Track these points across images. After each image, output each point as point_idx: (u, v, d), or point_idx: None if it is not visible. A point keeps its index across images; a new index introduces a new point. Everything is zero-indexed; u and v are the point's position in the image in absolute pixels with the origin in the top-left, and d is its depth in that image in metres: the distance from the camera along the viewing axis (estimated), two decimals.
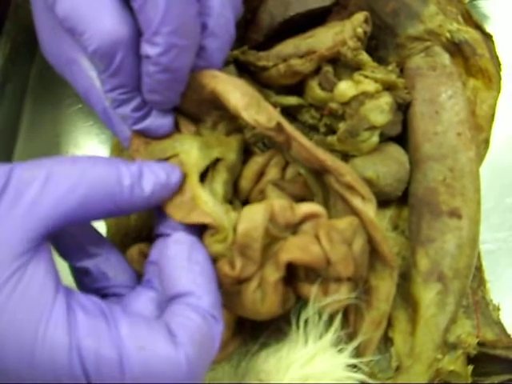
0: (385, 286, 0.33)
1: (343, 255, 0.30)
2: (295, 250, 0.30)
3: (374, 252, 0.33)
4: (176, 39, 0.30)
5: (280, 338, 0.33)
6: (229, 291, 0.30)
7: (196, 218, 0.31)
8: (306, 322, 0.32)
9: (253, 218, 0.29)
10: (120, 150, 0.43)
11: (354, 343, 0.32)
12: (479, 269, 0.40)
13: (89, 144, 0.52)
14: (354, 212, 0.32)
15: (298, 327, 0.32)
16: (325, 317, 0.32)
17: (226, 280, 0.30)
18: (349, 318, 0.33)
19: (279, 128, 0.32)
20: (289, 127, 0.32)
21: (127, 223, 0.40)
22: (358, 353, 0.32)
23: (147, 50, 0.30)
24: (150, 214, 0.35)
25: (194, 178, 0.32)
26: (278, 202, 0.30)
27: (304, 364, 0.31)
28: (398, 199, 0.40)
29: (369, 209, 0.32)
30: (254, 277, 0.30)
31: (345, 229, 0.30)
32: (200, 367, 0.26)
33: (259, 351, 0.33)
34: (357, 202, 0.32)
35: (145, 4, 0.29)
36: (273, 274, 0.30)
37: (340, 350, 0.32)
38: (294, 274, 0.32)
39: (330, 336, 0.32)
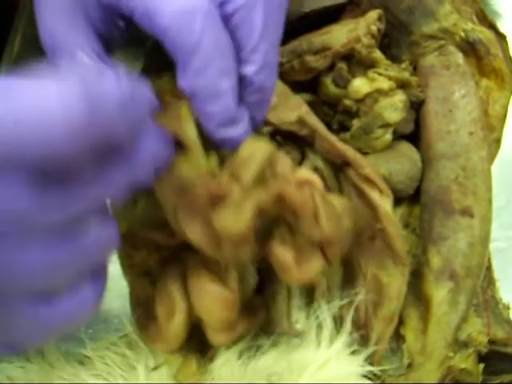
0: (396, 284, 0.33)
1: (331, 216, 0.29)
2: (290, 186, 0.28)
3: (385, 249, 0.34)
4: (270, 57, 0.29)
5: (290, 338, 0.33)
6: (203, 208, 0.28)
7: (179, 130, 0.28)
8: (318, 324, 0.33)
9: (255, 147, 0.28)
10: None
11: (369, 349, 0.32)
12: (489, 268, 0.40)
13: None
14: (370, 205, 0.33)
15: (309, 329, 0.32)
16: (337, 319, 0.32)
17: (203, 193, 0.28)
18: (359, 316, 0.33)
19: (302, 122, 0.32)
20: (312, 120, 0.33)
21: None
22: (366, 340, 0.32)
23: (243, 69, 0.29)
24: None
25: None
26: (282, 155, 0.29)
27: (318, 369, 0.31)
28: (409, 197, 0.40)
29: (385, 203, 0.32)
30: (235, 196, 0.28)
31: (338, 204, 0.30)
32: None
33: (269, 350, 0.33)
34: (374, 195, 0.33)
35: (242, 22, 0.29)
36: (257, 196, 0.28)
37: (353, 353, 0.32)
38: (268, 235, 0.30)
39: (343, 339, 0.32)
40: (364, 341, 0.33)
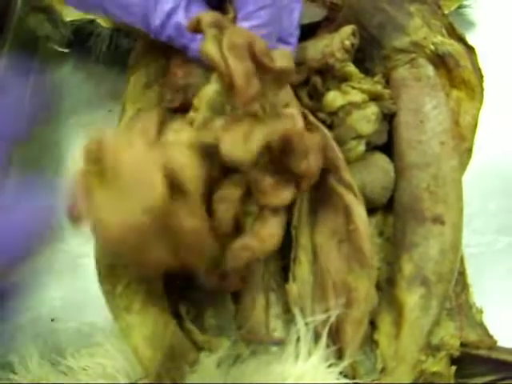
0: (364, 287, 0.34)
1: (318, 152, 0.34)
2: (295, 129, 0.33)
3: (352, 253, 0.35)
4: None
5: (269, 347, 0.34)
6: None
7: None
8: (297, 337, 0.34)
9: None
10: None
11: (344, 362, 0.33)
12: (463, 273, 0.41)
13: None
14: (344, 208, 0.35)
15: (287, 340, 0.33)
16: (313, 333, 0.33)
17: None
18: (331, 323, 0.34)
19: (304, 118, 0.35)
20: (313, 119, 0.35)
21: None
22: (341, 353, 0.33)
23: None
24: None
25: None
26: None
27: (295, 381, 0.32)
28: (383, 207, 0.42)
29: (359, 205, 0.36)
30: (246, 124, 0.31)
31: (313, 141, 0.34)
32: None
33: (248, 359, 0.34)
34: (350, 198, 0.35)
35: None
36: (265, 131, 0.32)
37: (329, 366, 0.33)
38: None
39: (320, 353, 0.33)
40: (339, 353, 0.34)
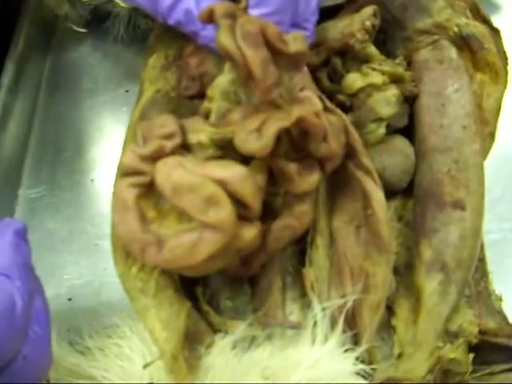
0: (381, 272, 0.34)
1: (337, 134, 0.34)
2: (309, 112, 0.32)
3: (370, 239, 0.35)
4: None
5: (285, 331, 0.34)
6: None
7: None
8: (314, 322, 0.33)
9: None
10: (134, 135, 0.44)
11: (361, 348, 0.32)
12: (482, 260, 0.40)
13: (106, 129, 0.53)
14: (363, 193, 0.34)
15: (303, 324, 0.33)
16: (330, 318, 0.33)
17: None
18: (348, 308, 0.34)
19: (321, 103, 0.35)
20: (329, 103, 0.36)
21: None
22: (358, 339, 0.33)
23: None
24: None
25: None
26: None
27: (311, 366, 0.32)
28: (403, 191, 0.41)
29: (379, 191, 0.35)
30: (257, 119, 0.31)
31: (335, 122, 0.34)
32: None
33: (264, 343, 0.34)
34: (370, 184, 0.34)
35: None
36: (280, 120, 0.31)
37: (346, 352, 0.32)
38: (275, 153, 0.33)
39: (336, 338, 0.33)
40: (356, 338, 0.34)
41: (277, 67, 0.32)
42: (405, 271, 0.37)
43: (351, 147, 0.36)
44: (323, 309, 0.32)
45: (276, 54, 0.32)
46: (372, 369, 0.33)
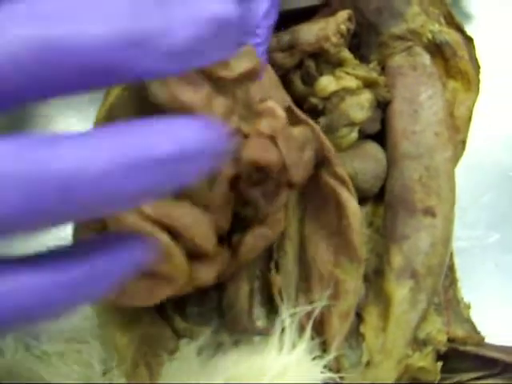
0: (352, 280, 0.33)
1: (297, 161, 0.31)
2: (257, 149, 0.29)
3: (342, 247, 0.34)
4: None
5: (251, 338, 0.33)
6: None
7: None
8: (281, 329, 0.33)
9: None
10: None
11: (329, 356, 0.32)
12: (451, 268, 0.40)
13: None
14: (338, 203, 0.33)
15: (271, 333, 0.32)
16: (298, 325, 0.32)
17: None
18: (316, 320, 0.33)
19: (289, 112, 0.33)
20: (299, 112, 0.33)
21: None
22: (326, 346, 0.33)
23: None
24: None
25: None
26: None
27: (278, 374, 0.31)
28: (374, 197, 0.41)
29: (353, 201, 0.34)
30: None
31: (299, 135, 0.32)
32: None
33: (230, 349, 0.33)
34: (345, 194, 0.34)
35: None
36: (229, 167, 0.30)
37: (314, 360, 0.32)
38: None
39: (304, 345, 0.32)
40: (324, 346, 0.33)
41: (225, 91, 0.30)
42: (374, 278, 0.36)
43: (324, 157, 0.35)
44: (291, 315, 0.32)
45: (220, 81, 0.30)
46: (340, 377, 0.32)
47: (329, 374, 0.31)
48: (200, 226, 0.30)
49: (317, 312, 0.32)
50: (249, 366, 0.31)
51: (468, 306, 0.38)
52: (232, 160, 0.29)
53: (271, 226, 0.33)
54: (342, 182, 0.35)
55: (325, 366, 0.32)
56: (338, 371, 0.32)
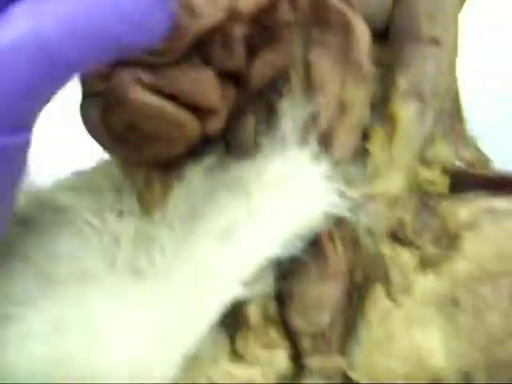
0: (359, 95, 0.33)
1: None
2: None
3: (349, 69, 0.34)
4: None
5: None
6: None
7: None
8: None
9: None
10: None
11: (331, 153, 0.32)
12: (458, 110, 0.40)
13: None
14: (345, 25, 0.34)
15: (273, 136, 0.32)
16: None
17: None
18: (323, 128, 0.33)
19: None
20: None
21: None
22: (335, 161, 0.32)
23: None
24: None
25: None
26: None
27: (281, 170, 0.31)
28: (380, 37, 0.40)
29: (362, 23, 0.35)
30: None
31: None
32: None
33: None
34: (353, 15, 0.34)
35: None
36: None
37: (318, 159, 0.32)
38: None
39: (308, 151, 0.32)
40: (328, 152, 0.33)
41: None
42: (380, 103, 0.36)
43: None
44: (293, 122, 0.31)
45: None
46: (345, 190, 0.32)
47: (334, 171, 0.30)
48: (201, 87, 0.30)
49: (323, 122, 0.32)
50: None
51: (476, 138, 0.38)
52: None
53: (280, 51, 0.33)
54: (349, 3, 0.34)
55: (336, 189, 0.31)
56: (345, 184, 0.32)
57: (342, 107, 0.33)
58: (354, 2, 0.35)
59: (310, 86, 0.35)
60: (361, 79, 0.34)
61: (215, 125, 0.32)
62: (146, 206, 0.34)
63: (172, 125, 0.29)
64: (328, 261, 0.30)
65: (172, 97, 0.29)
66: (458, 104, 0.40)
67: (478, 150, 0.37)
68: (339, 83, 0.34)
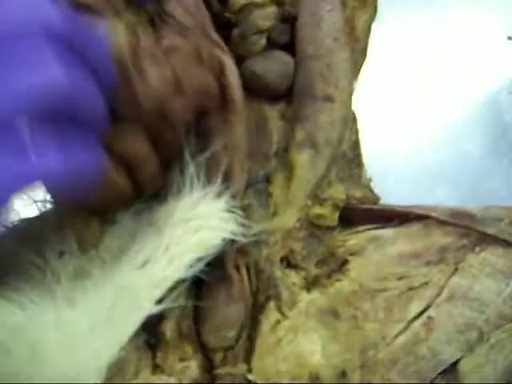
0: (238, 130, 0.39)
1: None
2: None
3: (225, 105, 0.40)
4: None
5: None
6: None
7: None
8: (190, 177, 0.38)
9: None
10: None
11: (231, 189, 0.38)
12: (358, 155, 0.47)
13: None
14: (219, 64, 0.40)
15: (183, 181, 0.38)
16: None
17: None
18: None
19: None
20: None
21: None
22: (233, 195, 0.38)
23: None
24: None
25: None
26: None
27: (189, 208, 0.37)
28: (286, 96, 0.47)
29: (229, 59, 0.40)
30: None
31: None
32: None
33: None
34: (221, 55, 0.40)
35: None
36: None
37: (219, 196, 0.38)
38: None
39: (213, 186, 0.38)
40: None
41: None
42: (283, 154, 0.43)
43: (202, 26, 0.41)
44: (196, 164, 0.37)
45: None
46: (248, 227, 0.38)
47: (233, 204, 0.36)
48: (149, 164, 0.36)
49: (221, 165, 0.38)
50: (166, 207, 0.37)
51: (370, 179, 0.45)
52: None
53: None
54: (217, 44, 0.40)
55: (235, 219, 0.37)
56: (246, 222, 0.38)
57: (233, 149, 0.39)
58: (221, 43, 0.41)
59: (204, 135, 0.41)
60: (236, 113, 0.39)
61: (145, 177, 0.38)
62: (84, 244, 0.39)
63: (110, 185, 0.35)
64: (234, 285, 0.36)
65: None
66: (358, 151, 0.47)
67: (369, 189, 0.43)
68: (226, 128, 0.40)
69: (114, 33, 0.36)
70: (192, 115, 0.37)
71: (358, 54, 0.49)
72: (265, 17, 0.46)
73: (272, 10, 0.46)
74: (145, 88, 0.34)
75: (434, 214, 0.39)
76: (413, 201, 0.42)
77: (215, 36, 0.41)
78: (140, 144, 0.35)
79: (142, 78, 0.34)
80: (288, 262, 0.37)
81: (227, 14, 0.46)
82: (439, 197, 0.50)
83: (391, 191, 0.46)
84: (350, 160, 0.45)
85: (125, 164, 0.35)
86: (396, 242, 0.39)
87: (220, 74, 0.39)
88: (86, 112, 0.30)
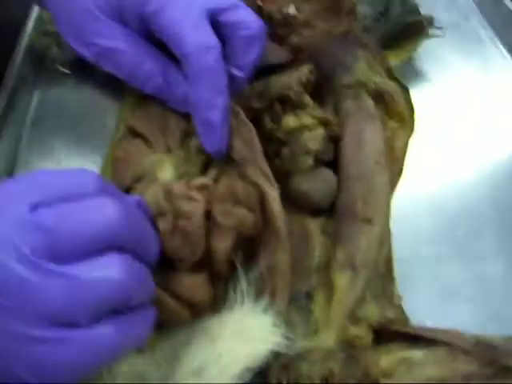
0: (283, 258, 0.43)
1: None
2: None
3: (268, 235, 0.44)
4: None
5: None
6: None
7: None
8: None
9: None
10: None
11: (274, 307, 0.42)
12: (389, 268, 0.50)
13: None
14: (262, 195, 0.44)
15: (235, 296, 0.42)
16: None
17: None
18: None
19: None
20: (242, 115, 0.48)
21: None
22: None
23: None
24: None
25: None
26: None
27: (240, 320, 0.41)
28: (327, 211, 0.51)
29: (274, 191, 0.45)
30: None
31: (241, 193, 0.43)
32: None
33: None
34: (266, 186, 0.44)
35: None
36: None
37: (266, 311, 0.41)
38: None
39: (260, 302, 0.42)
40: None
41: None
42: (324, 270, 0.47)
43: (251, 155, 0.46)
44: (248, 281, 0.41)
45: None
46: (292, 343, 0.41)
47: (284, 339, 0.40)
48: (193, 291, 0.41)
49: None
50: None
51: (400, 297, 0.48)
52: None
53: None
54: (265, 175, 0.45)
55: (280, 333, 0.41)
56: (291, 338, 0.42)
57: (277, 272, 0.43)
58: (269, 174, 0.46)
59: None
60: (280, 240, 0.44)
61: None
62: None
63: (168, 311, 0.40)
64: None
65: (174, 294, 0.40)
66: (390, 266, 0.50)
67: (401, 309, 0.47)
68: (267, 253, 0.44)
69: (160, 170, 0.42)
70: (233, 246, 0.42)
71: (395, 175, 0.53)
72: (313, 139, 0.50)
73: (320, 132, 0.51)
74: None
75: (458, 343, 0.43)
76: None
77: (265, 168, 0.45)
78: (197, 287, 0.40)
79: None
80: (326, 382, 0.40)
81: (279, 134, 0.51)
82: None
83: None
84: (382, 275, 0.49)
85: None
86: (424, 366, 0.42)
87: (262, 204, 0.43)
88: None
